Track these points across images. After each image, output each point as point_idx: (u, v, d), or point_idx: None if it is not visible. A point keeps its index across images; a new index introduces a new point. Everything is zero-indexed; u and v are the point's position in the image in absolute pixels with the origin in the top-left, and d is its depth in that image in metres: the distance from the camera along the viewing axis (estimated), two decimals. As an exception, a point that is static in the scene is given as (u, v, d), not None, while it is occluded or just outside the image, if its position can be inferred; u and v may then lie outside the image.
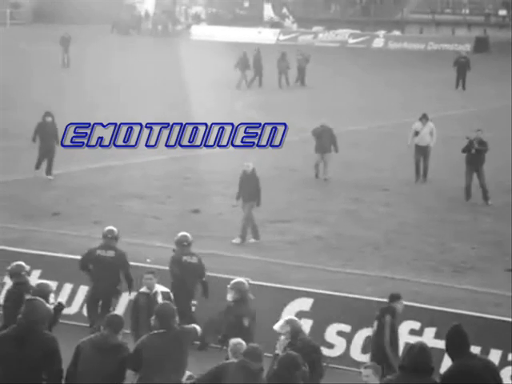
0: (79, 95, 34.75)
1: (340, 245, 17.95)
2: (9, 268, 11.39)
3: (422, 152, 22.62)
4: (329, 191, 22.21)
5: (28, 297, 9.43)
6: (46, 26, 65.85)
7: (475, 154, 20.95)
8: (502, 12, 62.19)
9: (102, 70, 43.01)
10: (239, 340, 9.51)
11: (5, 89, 35.28)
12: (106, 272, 12.86)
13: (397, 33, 63.81)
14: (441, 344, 11.25)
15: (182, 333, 9.48)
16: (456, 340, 8.07)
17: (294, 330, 9.67)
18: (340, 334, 12.90)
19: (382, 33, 63.34)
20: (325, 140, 22.67)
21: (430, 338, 12.23)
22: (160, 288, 12.05)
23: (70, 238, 17.31)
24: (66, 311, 11.15)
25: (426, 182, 22.77)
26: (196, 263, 13.19)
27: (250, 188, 17.61)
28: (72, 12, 67.72)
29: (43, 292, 10.15)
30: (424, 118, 22.90)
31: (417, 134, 22.69)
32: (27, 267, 11.42)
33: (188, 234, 13.42)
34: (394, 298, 11.49)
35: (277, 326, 9.74)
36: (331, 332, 12.88)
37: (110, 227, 13.34)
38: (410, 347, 8.21)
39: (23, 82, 38.48)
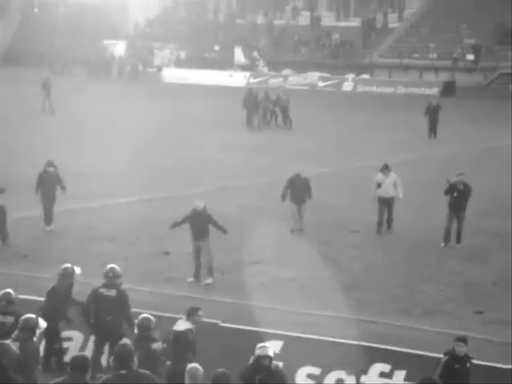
0: (65, 142, 34.45)
1: (310, 287, 17.98)
2: None
3: (386, 203, 22.15)
4: (299, 232, 22.25)
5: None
6: (15, 69, 65.84)
7: (457, 197, 20.97)
8: (470, 57, 63.06)
9: (82, 116, 42.91)
10: (196, 365, 9.58)
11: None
12: (108, 311, 12.82)
13: (366, 76, 64.46)
14: (411, 386, 11.32)
15: (142, 375, 9.49)
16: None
17: (258, 359, 10.39)
18: (310, 376, 12.89)
19: (351, 76, 63.96)
20: (299, 189, 22.02)
21: (401, 381, 12.27)
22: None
23: (38, 280, 17.21)
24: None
25: (391, 232, 22.23)
26: (114, 296, 13.10)
27: (202, 225, 17.88)
28: (41, 55, 67.83)
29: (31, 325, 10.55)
30: (386, 169, 22.29)
31: (379, 185, 22.20)
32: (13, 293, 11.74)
33: (115, 266, 13.45)
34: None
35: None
36: (301, 374, 12.87)
37: (112, 265, 13.37)
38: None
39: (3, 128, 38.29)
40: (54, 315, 13.41)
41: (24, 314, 11.46)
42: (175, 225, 18.33)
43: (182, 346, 12.10)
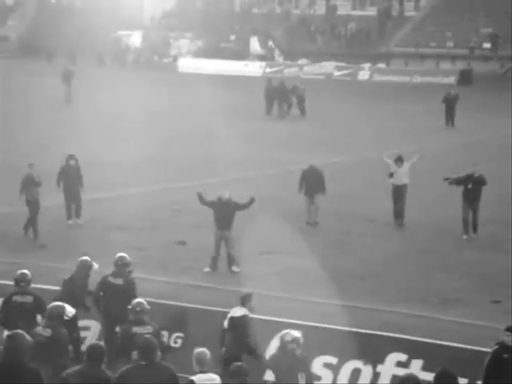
0: (86, 132, 34.52)
1: (327, 276, 17.97)
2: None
3: (399, 191, 21.86)
4: (314, 225, 22.21)
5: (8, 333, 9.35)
6: (31, 60, 66.03)
7: (472, 188, 20.85)
8: (487, 45, 62.74)
9: (102, 106, 42.97)
10: (204, 349, 9.58)
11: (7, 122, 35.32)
12: (115, 299, 12.93)
13: (382, 65, 64.23)
14: (428, 376, 11.30)
15: (163, 367, 9.46)
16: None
17: (282, 341, 10.51)
18: (327, 365, 12.88)
19: (367, 65, 63.77)
20: (312, 182, 21.85)
21: (417, 370, 12.24)
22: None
23: (56, 270, 17.28)
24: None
25: (403, 224, 21.88)
26: (121, 285, 13.15)
27: (227, 215, 17.87)
28: (58, 45, 67.95)
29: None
30: (399, 161, 22.06)
31: (392, 175, 22.02)
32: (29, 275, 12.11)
33: (124, 255, 13.48)
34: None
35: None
36: (318, 364, 12.87)
37: (121, 254, 13.46)
38: (402, 379, 8.22)
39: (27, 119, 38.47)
40: (71, 304, 13.47)
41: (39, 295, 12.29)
42: (201, 199, 18.14)
43: (239, 331, 12.29)
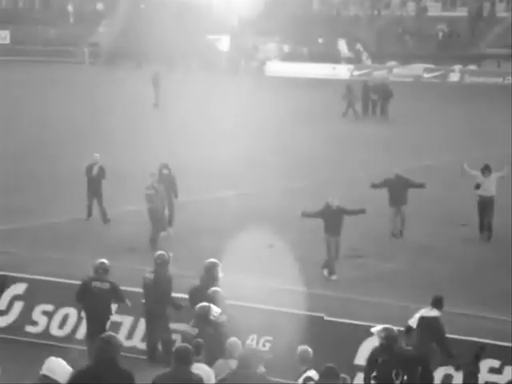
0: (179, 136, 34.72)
1: (412, 280, 17.72)
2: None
3: (486, 203, 20.66)
4: (399, 236, 21.81)
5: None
6: (122, 65, 67.05)
7: None
8: None
9: (192, 110, 43.31)
10: (306, 347, 9.84)
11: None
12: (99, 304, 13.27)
13: (473, 67, 63.23)
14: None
15: (192, 376, 9.32)
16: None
17: (389, 338, 10.35)
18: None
19: (457, 67, 62.86)
20: (399, 192, 20.78)
21: (510, 377, 11.97)
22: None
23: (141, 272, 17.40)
24: (125, 343, 11.54)
25: (489, 240, 20.65)
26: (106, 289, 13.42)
27: (335, 222, 18.04)
28: (147, 50, 68.79)
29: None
30: (487, 171, 20.92)
31: (478, 186, 20.96)
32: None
33: (104, 261, 13.77)
34: None
35: (374, 329, 10.71)
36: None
37: (102, 260, 13.71)
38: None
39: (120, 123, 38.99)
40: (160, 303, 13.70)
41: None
42: (306, 215, 18.60)
43: (430, 331, 12.31)
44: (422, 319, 12.49)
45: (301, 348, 9.97)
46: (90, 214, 22.02)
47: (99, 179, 21.93)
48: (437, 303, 12.65)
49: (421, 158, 29.67)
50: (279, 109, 44.82)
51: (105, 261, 13.55)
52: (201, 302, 11.75)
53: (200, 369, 9.66)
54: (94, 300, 13.15)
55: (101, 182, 21.93)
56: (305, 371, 9.88)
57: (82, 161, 23.90)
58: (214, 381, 9.77)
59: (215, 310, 11.41)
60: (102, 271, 13.32)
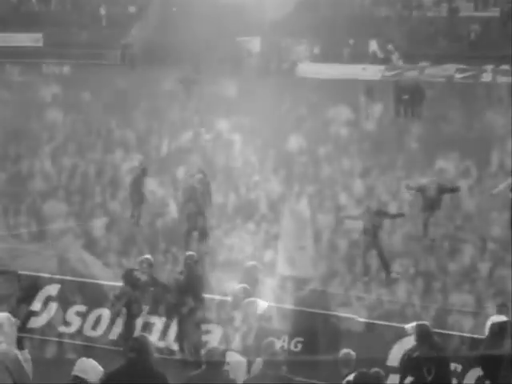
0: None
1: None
2: None
3: None
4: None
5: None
6: (154, 68, 67.16)
7: None
8: None
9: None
10: (349, 350, 9.84)
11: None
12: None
13: (506, 67, 62.80)
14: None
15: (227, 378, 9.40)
16: None
17: (423, 333, 10.30)
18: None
19: (489, 67, 62.47)
20: (431, 197, 20.25)
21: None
22: None
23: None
24: (157, 344, 11.58)
25: None
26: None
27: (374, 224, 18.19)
28: (180, 53, 68.94)
29: None
30: None
31: None
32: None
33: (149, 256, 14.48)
34: None
35: (408, 326, 10.78)
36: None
37: (147, 255, 14.52)
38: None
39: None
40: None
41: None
42: (347, 217, 19.35)
43: (501, 336, 12.07)
44: (494, 324, 12.20)
45: (343, 351, 9.87)
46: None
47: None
48: (502, 308, 12.67)
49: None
50: (317, 110, 44.70)
51: (149, 256, 14.38)
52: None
53: (232, 357, 9.65)
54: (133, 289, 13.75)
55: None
56: (347, 375, 9.70)
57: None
58: (244, 370, 9.72)
59: (261, 306, 11.31)
60: (146, 265, 14.05)
